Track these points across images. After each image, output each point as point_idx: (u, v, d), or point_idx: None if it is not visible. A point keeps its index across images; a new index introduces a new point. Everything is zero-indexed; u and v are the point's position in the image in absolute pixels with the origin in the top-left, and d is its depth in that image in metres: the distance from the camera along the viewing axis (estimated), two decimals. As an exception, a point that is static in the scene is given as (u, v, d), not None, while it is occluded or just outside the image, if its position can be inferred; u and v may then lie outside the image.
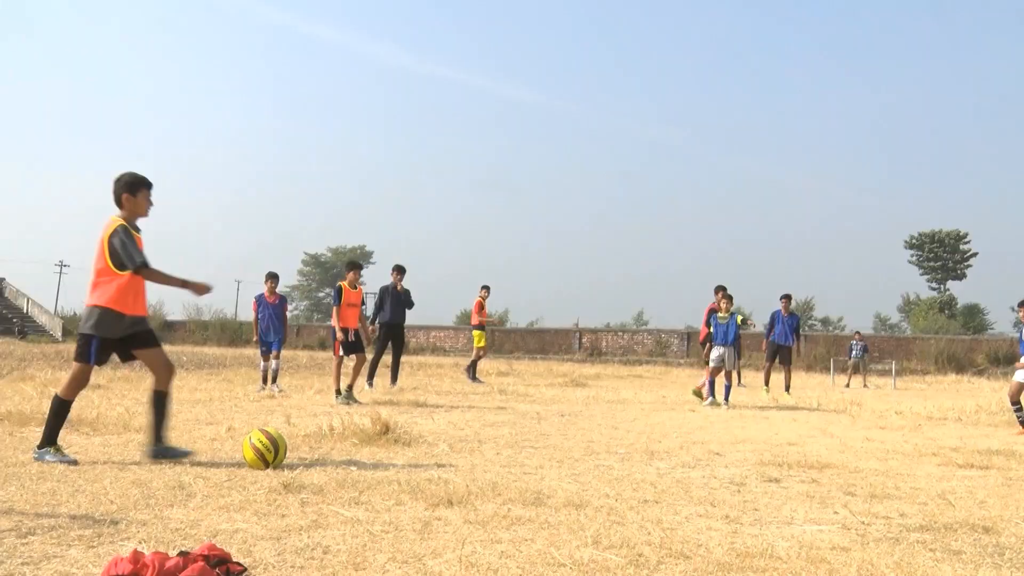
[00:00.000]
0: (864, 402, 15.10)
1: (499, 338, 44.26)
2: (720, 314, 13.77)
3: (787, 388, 16.45)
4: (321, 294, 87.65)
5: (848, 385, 23.91)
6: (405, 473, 5.76)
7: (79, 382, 5.96)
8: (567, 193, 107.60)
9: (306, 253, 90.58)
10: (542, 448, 7.50)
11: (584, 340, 42.02)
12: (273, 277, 14.47)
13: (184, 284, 5.95)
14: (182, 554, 3.14)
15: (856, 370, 25.78)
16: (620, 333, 43.35)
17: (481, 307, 19.15)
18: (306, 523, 4.16)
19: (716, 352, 13.49)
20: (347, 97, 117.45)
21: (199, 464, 5.90)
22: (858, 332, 29.77)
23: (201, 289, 6.07)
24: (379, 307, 15.02)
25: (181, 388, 13.13)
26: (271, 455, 5.78)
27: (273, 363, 14.01)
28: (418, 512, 4.51)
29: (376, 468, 5.96)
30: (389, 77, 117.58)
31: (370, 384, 14.22)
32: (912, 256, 63.79)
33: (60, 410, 5.96)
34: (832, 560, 3.71)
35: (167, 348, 7.15)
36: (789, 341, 16.80)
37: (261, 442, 5.82)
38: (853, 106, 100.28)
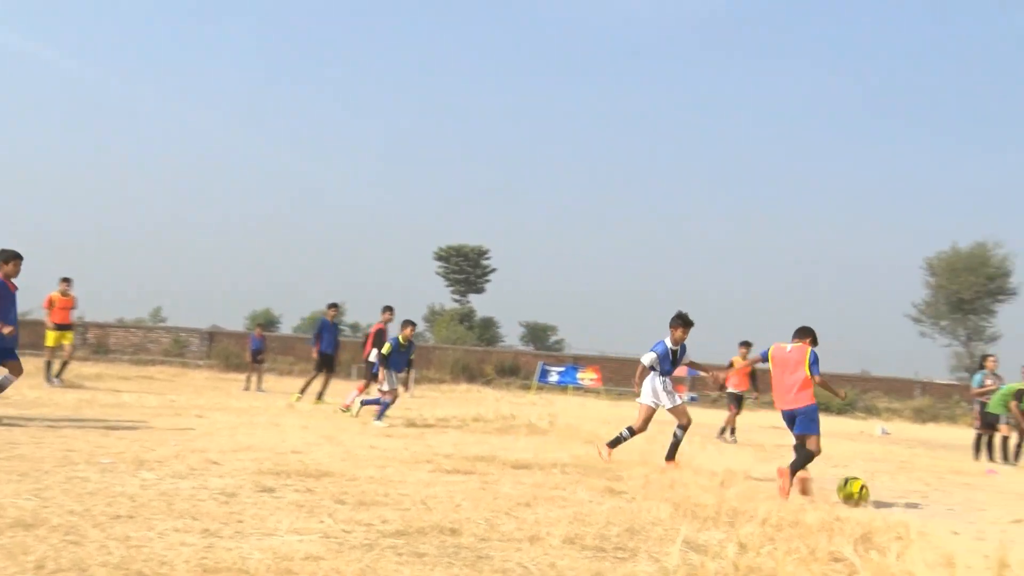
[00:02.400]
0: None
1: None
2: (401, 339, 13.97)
3: (320, 396, 16.95)
4: None
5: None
6: None
7: None
8: (76, 179, 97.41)
9: None
10: (5, 459, 6.73)
11: (89, 335, 38.70)
12: None
13: None
14: None
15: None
16: (133, 329, 40.74)
17: (51, 303, 17.45)
18: None
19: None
20: None
21: None
22: (381, 339, 31.52)
23: None
24: None
25: None
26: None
27: None
28: None
29: None
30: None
31: None
32: (439, 268, 69.58)
33: None
34: (301, 570, 3.88)
35: None
36: (332, 349, 17.49)
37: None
38: (389, 117, 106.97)
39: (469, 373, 39.12)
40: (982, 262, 50.84)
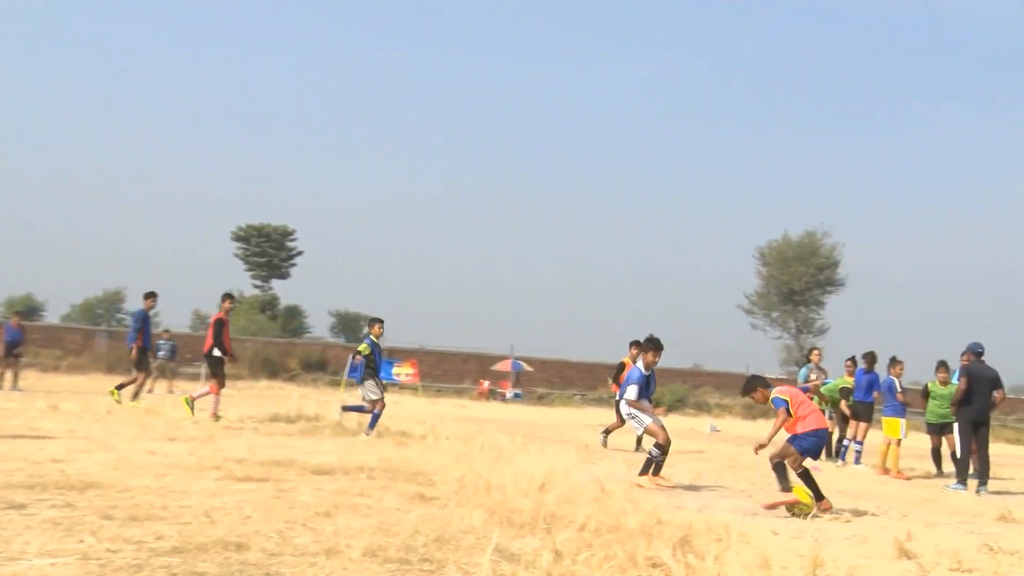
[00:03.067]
0: (163, 410, 15.39)
1: None
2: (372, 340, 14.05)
3: (124, 389, 16.60)
4: None
5: (151, 390, 24.13)
6: None
7: None
8: None
9: None
10: None
11: None
12: None
13: None
14: None
15: (163, 374, 26.21)
16: None
17: None
18: None
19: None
20: None
21: None
22: (167, 330, 30.33)
23: None
24: None
25: None
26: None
27: None
28: None
29: None
30: None
31: None
32: (238, 249, 67.45)
33: None
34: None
35: None
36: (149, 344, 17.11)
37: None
38: (183, 79, 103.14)
39: (271, 368, 38.25)
40: (812, 251, 54.46)
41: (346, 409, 14.42)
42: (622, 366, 15.56)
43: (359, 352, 13.98)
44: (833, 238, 55.27)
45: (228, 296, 15.55)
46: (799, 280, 53.66)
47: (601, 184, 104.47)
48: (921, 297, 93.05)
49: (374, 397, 13.79)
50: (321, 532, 5.55)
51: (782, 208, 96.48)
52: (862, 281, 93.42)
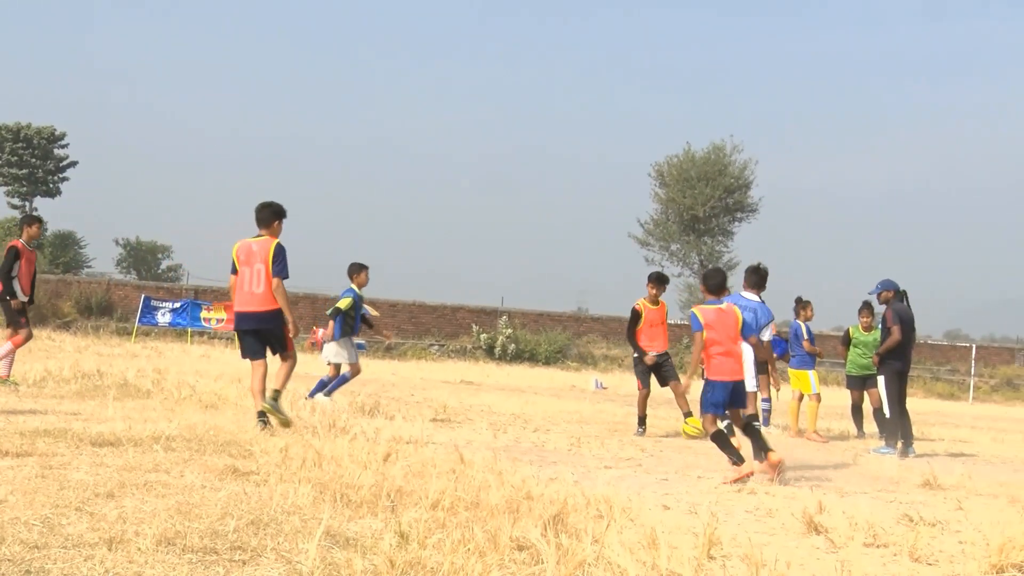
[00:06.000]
0: None
1: None
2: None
3: None
4: None
5: None
6: None
7: None
8: None
9: None
10: None
11: None
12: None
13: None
14: None
15: None
16: None
17: None
18: None
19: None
20: None
21: None
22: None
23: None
24: None
25: None
26: None
27: None
28: None
29: None
30: None
31: None
32: (-6, 156, 64.84)
33: None
34: None
35: None
36: None
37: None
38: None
39: (36, 312, 37.06)
40: (719, 170, 55.54)
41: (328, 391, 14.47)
42: (636, 315, 14.04)
43: (338, 309, 14.24)
44: (744, 153, 56.47)
45: (35, 219, 14.48)
46: (704, 204, 54.72)
47: (450, 72, 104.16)
48: (848, 226, 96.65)
49: (340, 361, 14.45)
50: (101, 517, 5.48)
51: (685, 115, 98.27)
52: (778, 206, 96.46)
